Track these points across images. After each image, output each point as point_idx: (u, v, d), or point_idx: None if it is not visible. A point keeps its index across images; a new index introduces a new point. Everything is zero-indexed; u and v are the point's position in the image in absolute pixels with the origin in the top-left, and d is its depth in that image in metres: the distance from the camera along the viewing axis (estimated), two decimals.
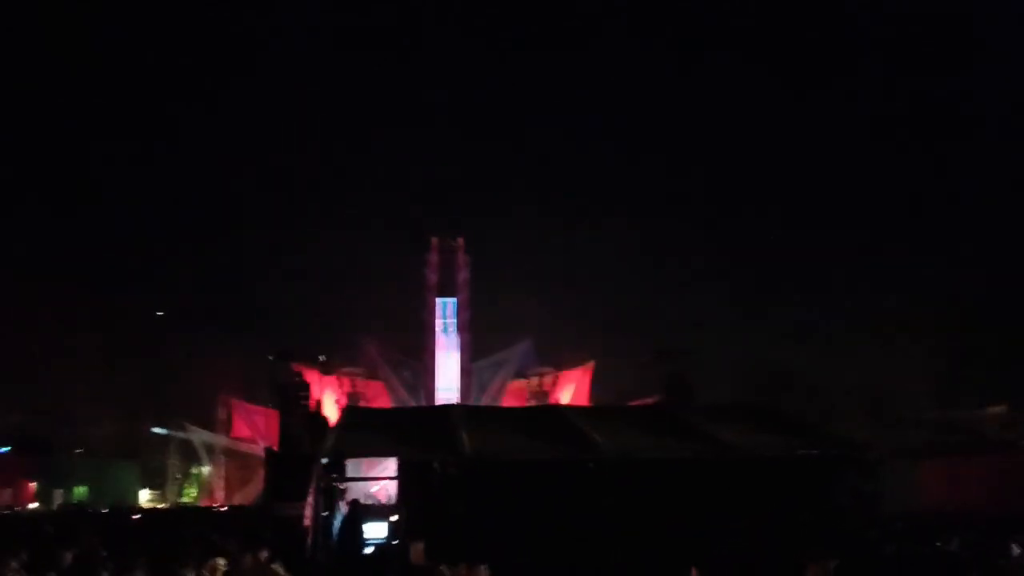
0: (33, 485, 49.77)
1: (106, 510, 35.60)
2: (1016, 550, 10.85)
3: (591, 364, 52.59)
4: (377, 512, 18.03)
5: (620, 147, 68.21)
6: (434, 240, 55.24)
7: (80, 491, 51.87)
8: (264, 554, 10.72)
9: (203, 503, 49.93)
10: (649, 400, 34.55)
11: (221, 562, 9.62)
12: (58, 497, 49.68)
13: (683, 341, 39.59)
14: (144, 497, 57.69)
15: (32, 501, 47.60)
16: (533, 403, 46.46)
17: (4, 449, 50.59)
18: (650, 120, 69.66)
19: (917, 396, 39.74)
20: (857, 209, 55.75)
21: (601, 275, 56.54)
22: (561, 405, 26.04)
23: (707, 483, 11.68)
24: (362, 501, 14.32)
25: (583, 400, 47.25)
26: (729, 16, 69.30)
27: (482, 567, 8.42)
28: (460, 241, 55.16)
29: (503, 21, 77.95)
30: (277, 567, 9.93)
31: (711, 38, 69.94)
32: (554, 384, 52.31)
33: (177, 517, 27.64)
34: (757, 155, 61.88)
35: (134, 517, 28.96)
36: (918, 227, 51.62)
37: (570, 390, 51.44)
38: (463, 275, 54.79)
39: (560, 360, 53.68)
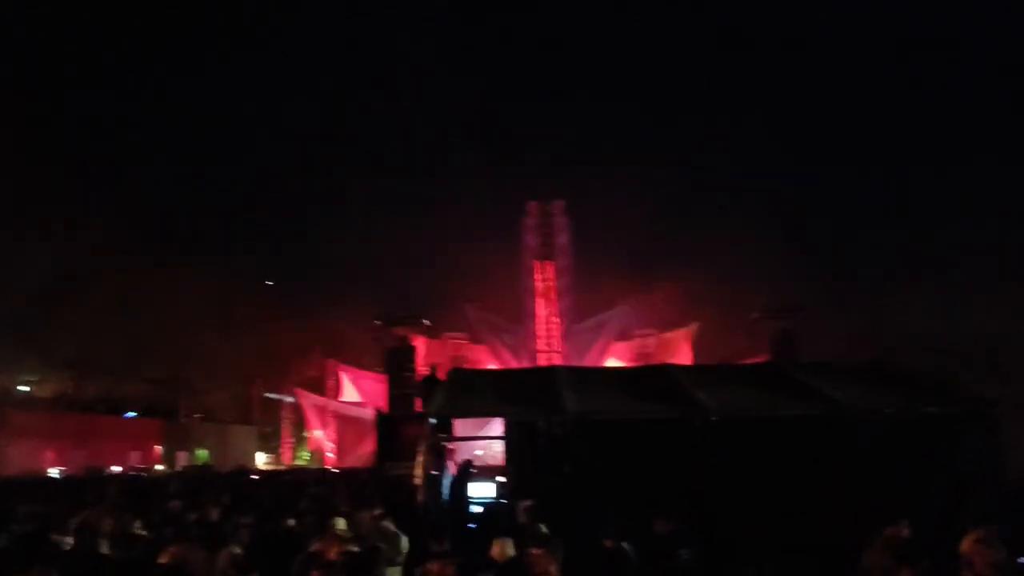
0: (158, 448, 52.35)
1: (222, 471, 37.15)
2: None
3: (694, 326, 51.91)
4: (485, 472, 18.22)
5: (720, 104, 66.41)
6: (532, 204, 55.12)
7: (202, 454, 54.31)
8: (377, 512, 10.97)
9: (315, 465, 51.56)
10: (756, 360, 33.88)
11: (341, 522, 9.86)
12: (182, 459, 52.11)
13: (789, 300, 38.48)
14: (261, 459, 60.09)
15: (158, 463, 50.05)
16: (636, 365, 46.12)
17: (131, 414, 53.30)
18: (746, 77, 67.63)
19: None
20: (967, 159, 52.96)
21: (701, 237, 55.37)
22: (666, 364, 25.78)
23: (819, 443, 11.27)
24: (464, 461, 14.47)
25: (686, 361, 46.65)
26: None
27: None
28: (558, 204, 54.91)
29: None
30: (389, 524, 10.13)
31: None
32: (657, 346, 51.85)
33: (292, 478, 28.63)
34: (864, 109, 59.43)
35: (253, 477, 30.13)
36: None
37: (672, 352, 50.87)
38: (562, 239, 54.61)
39: (662, 322, 53.14)
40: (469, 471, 13.98)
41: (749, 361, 33.54)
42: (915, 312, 42.54)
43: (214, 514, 10.72)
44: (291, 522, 9.95)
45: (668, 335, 52.49)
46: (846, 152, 59.41)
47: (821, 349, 35.89)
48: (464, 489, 13.20)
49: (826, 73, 62.87)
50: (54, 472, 39.75)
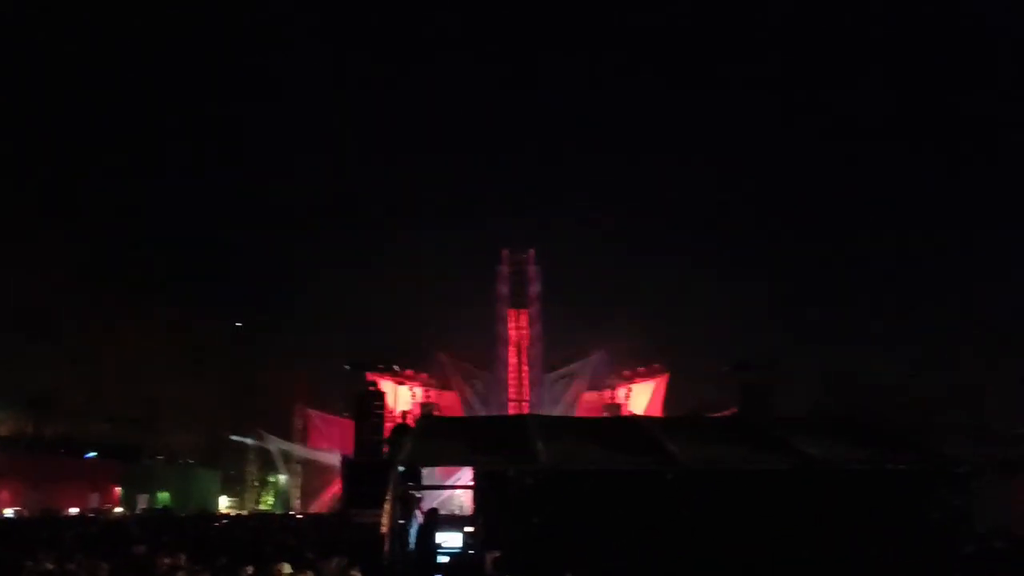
0: (118, 490, 51.27)
1: (183, 515, 36.46)
2: None
3: (665, 376, 52.02)
4: (452, 521, 18.02)
5: (698, 157, 67.01)
6: (505, 252, 55.24)
7: (163, 496, 53.24)
8: (343, 560, 10.78)
9: (279, 510, 50.72)
10: (726, 412, 33.92)
11: (287, 568, 9.68)
12: (142, 502, 51.05)
13: (763, 352, 38.67)
14: (224, 503, 59.00)
15: (117, 505, 48.99)
16: (606, 415, 46.10)
17: (91, 454, 52.22)
18: (728, 129, 68.62)
19: (1011, 410, 38.14)
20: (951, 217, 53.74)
21: (675, 284, 55.72)
22: (637, 416, 25.78)
23: (789, 496, 11.30)
24: (431, 509, 14.32)
25: (656, 412, 46.69)
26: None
27: None
28: (531, 253, 55.08)
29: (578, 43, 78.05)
30: (355, 573, 9.97)
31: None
32: (627, 396, 51.83)
33: (257, 523, 28.10)
34: (851, 160, 60.47)
35: (216, 524, 29.55)
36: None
37: (643, 402, 50.91)
38: (534, 287, 54.70)
39: (633, 372, 53.18)
40: (436, 519, 13.81)
41: (720, 414, 33.59)
42: (886, 365, 43.04)
43: (182, 560, 10.49)
44: (250, 569, 9.76)
45: (638, 385, 52.50)
46: (823, 206, 60.13)
47: (791, 401, 36.10)
48: (431, 538, 13.02)
49: (810, 127, 63.78)
50: (9, 513, 38.78)
